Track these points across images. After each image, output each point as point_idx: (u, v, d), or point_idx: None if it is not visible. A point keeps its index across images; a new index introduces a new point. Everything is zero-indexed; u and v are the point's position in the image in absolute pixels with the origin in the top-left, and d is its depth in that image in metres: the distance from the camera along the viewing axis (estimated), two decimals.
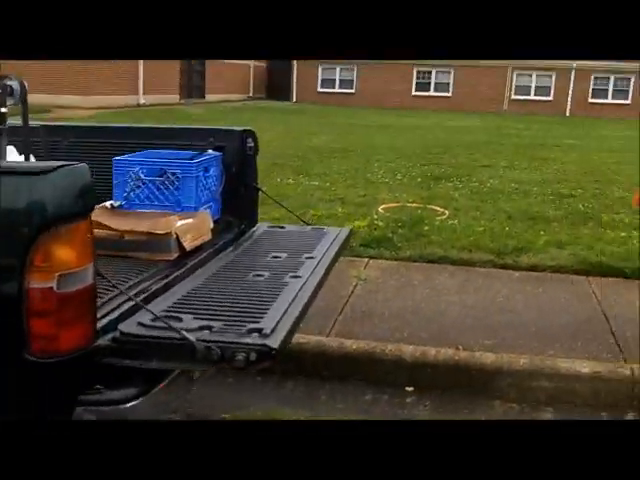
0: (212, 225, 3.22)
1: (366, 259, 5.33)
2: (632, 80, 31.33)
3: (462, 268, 5.19)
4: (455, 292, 4.67)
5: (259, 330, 2.13)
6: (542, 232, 6.17)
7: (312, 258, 3.11)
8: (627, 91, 31.72)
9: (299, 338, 3.62)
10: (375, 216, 6.61)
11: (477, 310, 4.34)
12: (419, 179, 9.38)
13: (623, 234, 6.15)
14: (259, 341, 2.05)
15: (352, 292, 4.58)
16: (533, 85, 32.11)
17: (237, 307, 2.38)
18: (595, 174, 10.44)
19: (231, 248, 3.31)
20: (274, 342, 2.06)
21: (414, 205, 7.39)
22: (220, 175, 3.50)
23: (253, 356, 1.99)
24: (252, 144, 3.59)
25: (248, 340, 2.06)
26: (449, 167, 10.66)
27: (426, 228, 6.13)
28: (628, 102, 31.50)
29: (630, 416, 3.38)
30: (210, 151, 3.44)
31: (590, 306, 4.50)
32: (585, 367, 3.57)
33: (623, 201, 7.94)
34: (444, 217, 6.79)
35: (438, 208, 7.22)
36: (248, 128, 3.65)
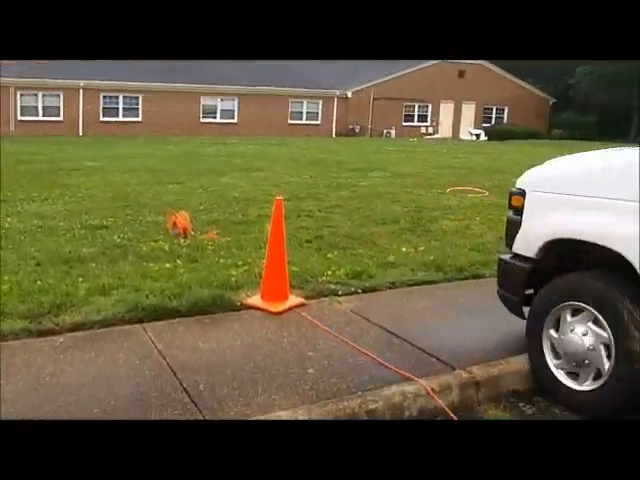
0: None
1: None
2: (140, 98, 32.57)
3: None
4: None
5: None
6: (81, 278, 5.30)
7: None
8: (137, 109, 32.88)
9: None
10: None
11: (15, 400, 3.31)
12: None
13: (168, 265, 5.73)
14: None
15: None
16: (40, 105, 30.69)
17: None
18: (123, 198, 9.96)
19: None
20: None
21: None
22: None
23: None
24: None
25: None
26: None
27: None
28: (139, 119, 32.69)
29: None
30: None
31: (153, 361, 3.92)
32: None
33: (158, 226, 7.60)
34: None
35: None
36: None
